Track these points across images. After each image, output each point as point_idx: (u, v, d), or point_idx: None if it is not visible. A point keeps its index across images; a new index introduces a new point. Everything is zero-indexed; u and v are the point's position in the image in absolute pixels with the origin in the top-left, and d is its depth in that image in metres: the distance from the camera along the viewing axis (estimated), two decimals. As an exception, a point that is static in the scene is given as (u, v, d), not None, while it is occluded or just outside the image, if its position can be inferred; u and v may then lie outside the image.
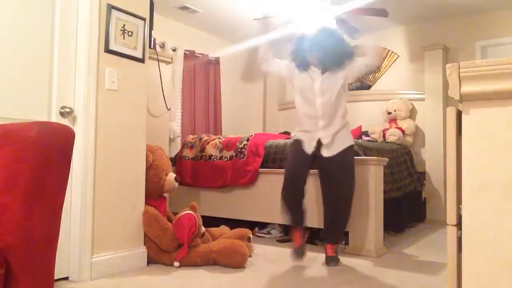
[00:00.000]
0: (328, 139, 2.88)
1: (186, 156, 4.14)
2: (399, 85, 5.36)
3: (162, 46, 4.91)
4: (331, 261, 2.85)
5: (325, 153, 2.87)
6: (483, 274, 0.90)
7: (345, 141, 2.91)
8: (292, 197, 2.92)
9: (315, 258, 3.03)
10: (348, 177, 2.91)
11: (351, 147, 2.94)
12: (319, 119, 2.90)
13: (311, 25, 4.27)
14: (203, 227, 2.87)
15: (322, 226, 3.28)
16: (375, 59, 3.09)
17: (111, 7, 2.49)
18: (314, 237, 3.49)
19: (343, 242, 3.28)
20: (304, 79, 2.96)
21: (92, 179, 2.39)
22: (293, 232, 2.93)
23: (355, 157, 3.18)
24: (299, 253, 2.84)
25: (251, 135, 3.97)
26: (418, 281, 2.46)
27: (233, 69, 6.24)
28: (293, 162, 2.97)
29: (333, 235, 2.96)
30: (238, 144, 3.88)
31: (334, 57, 2.90)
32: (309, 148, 2.91)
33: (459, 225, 0.97)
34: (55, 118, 2.33)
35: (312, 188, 3.23)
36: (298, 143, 2.96)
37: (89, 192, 2.38)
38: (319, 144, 2.90)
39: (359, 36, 4.68)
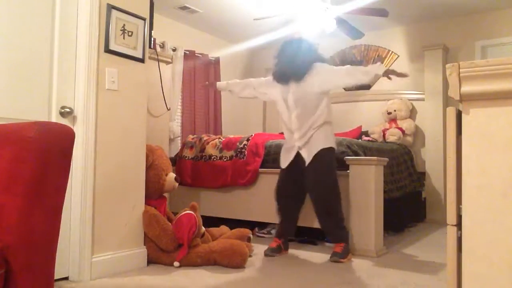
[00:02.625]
0: (303, 143, 3.01)
1: (186, 156, 4.14)
2: (399, 85, 5.35)
3: (162, 46, 4.91)
4: (334, 255, 2.91)
5: (307, 160, 2.98)
6: (483, 274, 0.90)
7: (320, 143, 2.99)
8: (282, 211, 3.18)
9: (315, 258, 3.04)
10: (327, 176, 3.00)
11: (327, 149, 2.99)
12: (295, 131, 3.04)
13: (312, 25, 4.29)
14: (203, 227, 2.87)
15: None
16: (361, 75, 2.93)
17: (111, 7, 2.49)
18: (314, 237, 3.49)
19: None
20: (283, 90, 3.08)
21: (92, 179, 2.39)
22: (276, 238, 3.18)
23: (356, 157, 3.21)
24: (270, 251, 3.05)
25: (251, 135, 3.97)
26: (418, 281, 2.46)
27: (233, 69, 6.24)
28: (280, 181, 3.20)
29: (333, 234, 3.07)
30: (238, 144, 3.88)
31: (299, 65, 3.00)
32: (286, 162, 3.11)
33: (459, 225, 0.97)
34: (55, 118, 2.33)
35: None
36: (280, 162, 3.19)
37: (89, 192, 2.38)
38: (298, 153, 3.04)
39: (359, 37, 4.70)
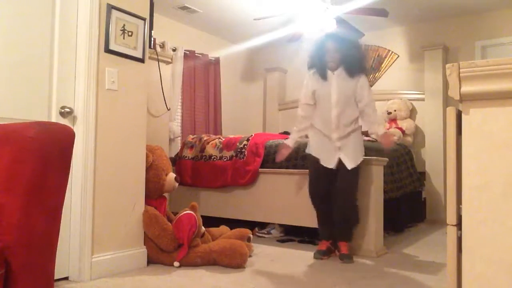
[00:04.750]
0: (346, 151, 2.98)
1: (186, 156, 4.14)
2: (399, 85, 5.36)
3: (162, 46, 4.91)
4: (346, 257, 2.92)
5: (349, 165, 2.96)
6: (483, 274, 0.90)
7: (360, 152, 3.05)
8: (322, 212, 3.13)
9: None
10: (356, 184, 3.06)
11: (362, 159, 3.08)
12: (334, 131, 2.99)
13: (312, 25, 4.29)
14: (203, 227, 2.87)
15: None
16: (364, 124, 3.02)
17: (111, 7, 2.49)
18: (314, 237, 3.49)
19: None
20: (323, 86, 3.02)
21: (92, 179, 2.39)
22: (321, 240, 3.14)
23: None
24: (319, 254, 3.02)
25: (251, 135, 3.97)
26: (418, 281, 2.46)
27: (233, 69, 6.24)
28: (315, 180, 3.10)
29: (344, 234, 3.05)
30: (238, 144, 3.88)
31: (355, 63, 2.98)
32: (331, 164, 3.01)
33: (459, 225, 0.97)
34: (55, 118, 2.32)
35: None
36: (315, 160, 3.07)
37: (89, 192, 2.37)
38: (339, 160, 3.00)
39: (359, 37, 4.69)
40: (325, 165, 3.00)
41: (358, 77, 2.99)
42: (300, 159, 3.49)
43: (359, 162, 2.99)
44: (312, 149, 3.10)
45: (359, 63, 3.04)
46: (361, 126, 3.09)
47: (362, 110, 3.00)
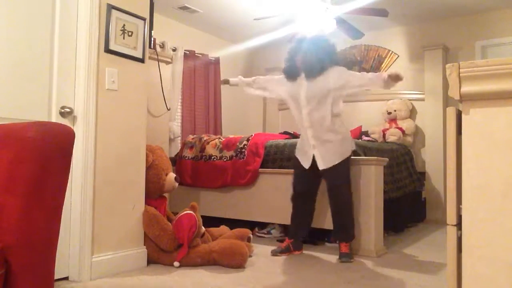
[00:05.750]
0: (318, 143, 3.01)
1: (186, 156, 4.13)
2: (399, 85, 5.33)
3: (162, 46, 4.91)
4: (344, 256, 2.94)
5: (320, 165, 3.02)
6: (483, 274, 0.90)
7: (340, 154, 3.02)
8: (297, 212, 3.19)
9: (315, 258, 3.04)
10: (344, 183, 3.05)
11: (347, 159, 3.05)
12: (307, 129, 3.04)
13: (312, 25, 4.29)
14: (203, 227, 2.87)
15: (324, 227, 3.31)
16: (372, 85, 3.06)
17: (111, 7, 2.49)
18: (314, 237, 3.49)
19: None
20: (293, 88, 3.09)
21: (92, 179, 2.39)
22: (287, 238, 3.22)
23: (355, 157, 3.20)
24: (278, 251, 3.09)
25: (251, 135, 3.97)
26: (418, 281, 2.46)
27: (233, 69, 6.24)
28: (296, 180, 3.18)
29: (343, 233, 3.07)
30: (238, 144, 3.88)
31: (314, 62, 2.97)
32: (307, 163, 3.08)
33: (459, 225, 0.97)
34: (55, 118, 2.32)
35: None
36: (297, 160, 3.17)
37: (89, 192, 2.37)
38: (314, 158, 3.05)
39: (359, 37, 4.70)
40: (305, 166, 3.08)
41: (328, 72, 2.97)
42: (300, 159, 3.49)
43: (331, 165, 2.98)
44: (297, 151, 3.21)
45: (321, 59, 2.98)
46: (343, 133, 3.07)
47: (362, 85, 3.03)
